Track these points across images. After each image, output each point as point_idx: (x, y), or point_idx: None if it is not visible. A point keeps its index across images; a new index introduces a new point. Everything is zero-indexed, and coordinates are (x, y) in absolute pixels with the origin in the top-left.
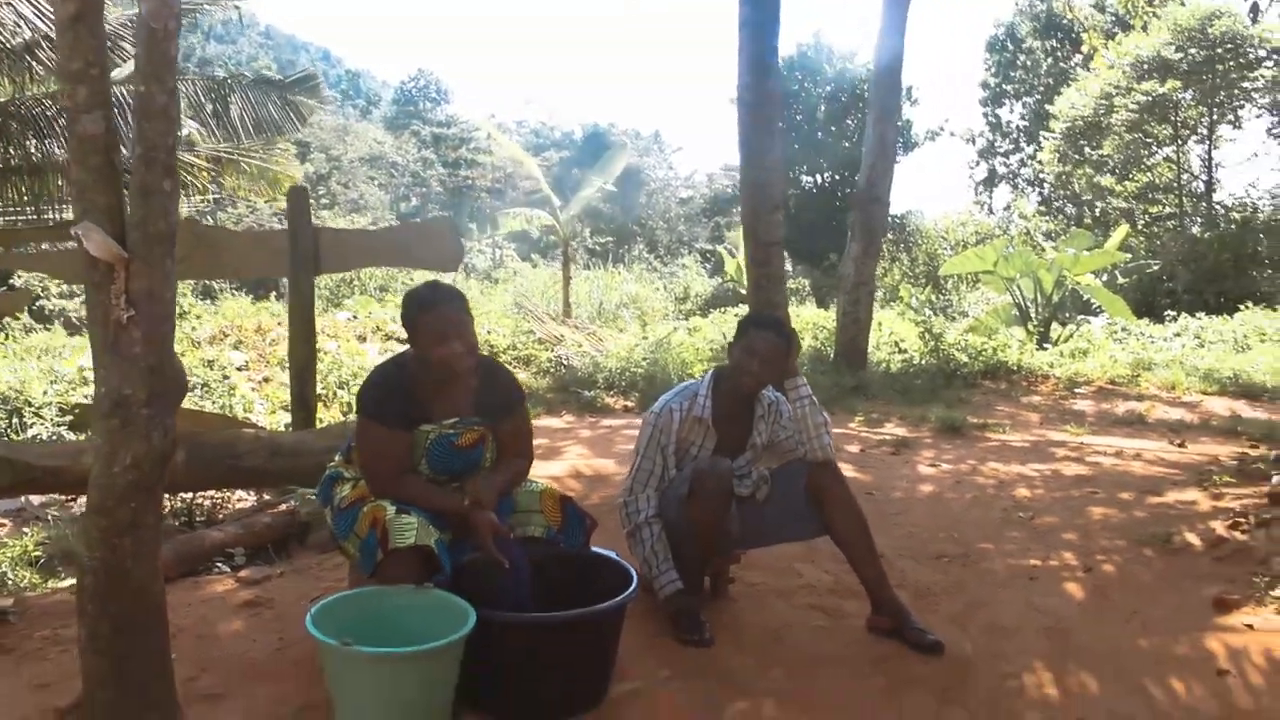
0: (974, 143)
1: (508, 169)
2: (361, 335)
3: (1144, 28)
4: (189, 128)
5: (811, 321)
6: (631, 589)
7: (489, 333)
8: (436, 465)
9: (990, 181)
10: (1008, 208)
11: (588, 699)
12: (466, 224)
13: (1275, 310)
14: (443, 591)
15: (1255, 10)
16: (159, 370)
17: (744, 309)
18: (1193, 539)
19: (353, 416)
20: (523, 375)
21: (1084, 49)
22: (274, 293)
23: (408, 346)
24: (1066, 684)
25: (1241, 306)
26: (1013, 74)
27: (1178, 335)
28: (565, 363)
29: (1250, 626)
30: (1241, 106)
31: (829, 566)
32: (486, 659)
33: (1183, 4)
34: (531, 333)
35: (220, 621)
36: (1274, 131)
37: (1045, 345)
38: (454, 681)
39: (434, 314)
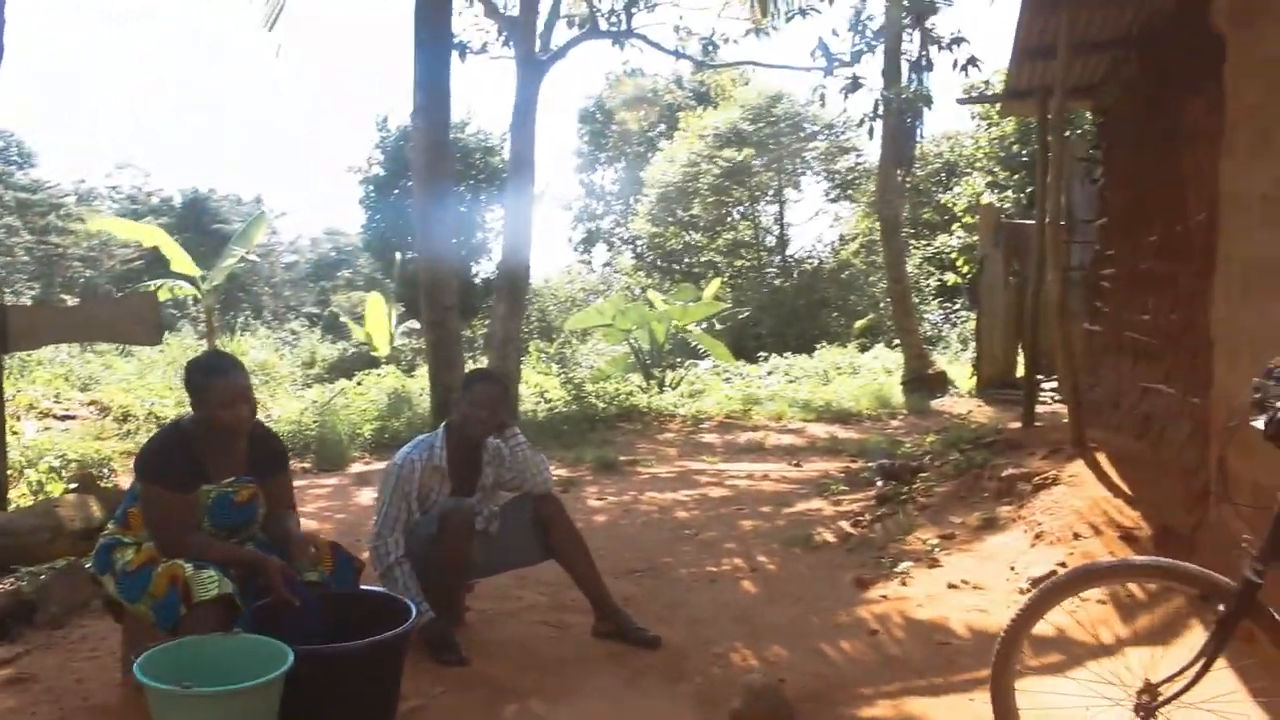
0: (571, 207)
1: (103, 237)
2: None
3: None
4: None
5: None
6: (414, 618)
7: (152, 405)
8: (218, 521)
9: (589, 241)
10: (607, 264)
11: (381, 717)
12: (58, 295)
13: (845, 347)
14: (251, 635)
15: (823, 99)
16: None
17: (388, 369)
18: (828, 537)
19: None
20: None
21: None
22: None
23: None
24: (763, 655)
25: (818, 345)
26: (604, 142)
27: (770, 373)
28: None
29: (885, 597)
30: (803, 174)
31: (542, 590)
32: (291, 690)
33: (747, 83)
34: None
35: None
36: (829, 195)
37: (664, 389)
38: (276, 712)
39: (226, 380)
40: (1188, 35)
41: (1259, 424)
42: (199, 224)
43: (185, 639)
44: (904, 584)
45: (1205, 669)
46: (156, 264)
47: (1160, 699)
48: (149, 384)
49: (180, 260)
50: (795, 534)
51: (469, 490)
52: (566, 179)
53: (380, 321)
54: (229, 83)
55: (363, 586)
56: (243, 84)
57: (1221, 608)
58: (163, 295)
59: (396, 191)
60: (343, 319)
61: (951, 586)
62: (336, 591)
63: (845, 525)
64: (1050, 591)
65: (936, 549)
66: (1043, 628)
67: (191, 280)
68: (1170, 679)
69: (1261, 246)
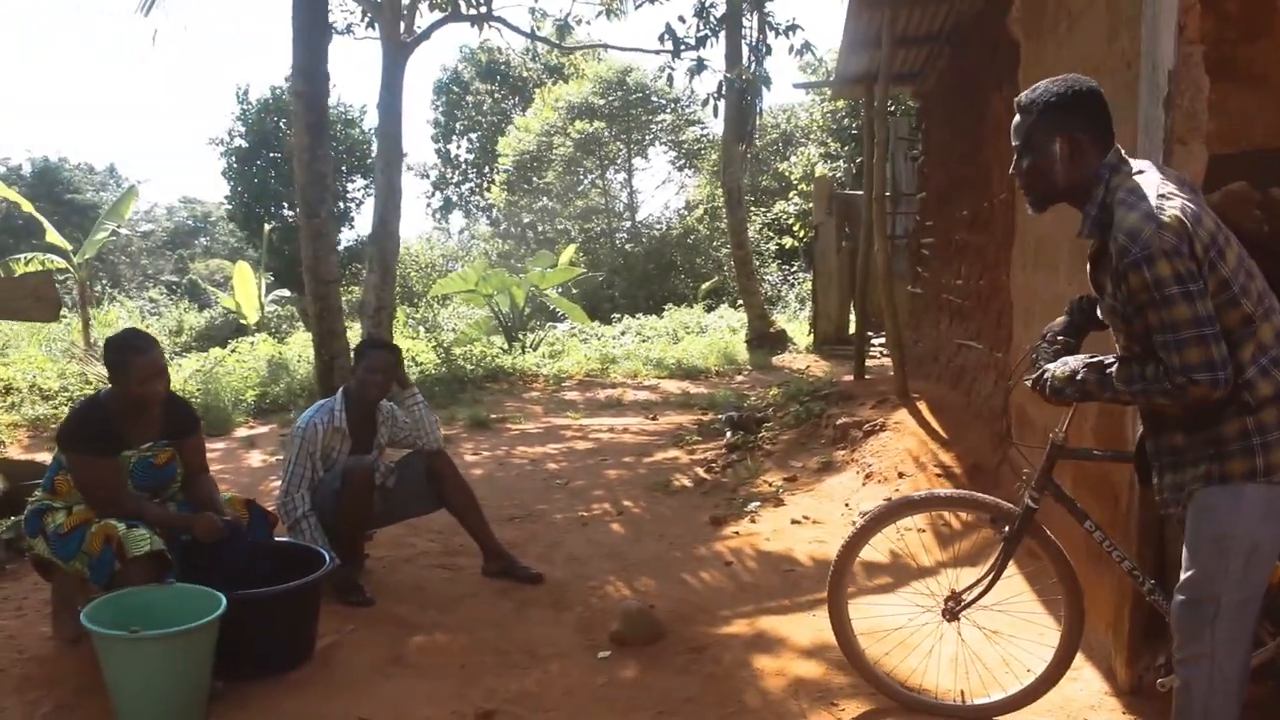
0: (428, 175)
1: None
2: None
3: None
4: None
5: None
6: (328, 564)
7: (34, 378)
8: (140, 483)
9: (446, 209)
10: (463, 231)
11: (304, 653)
12: None
13: (692, 308)
14: (184, 584)
15: (670, 79)
16: None
17: (259, 338)
18: (685, 482)
19: None
20: None
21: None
22: None
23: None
24: (635, 586)
25: (667, 306)
26: (459, 113)
27: (623, 334)
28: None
29: (737, 533)
30: (651, 144)
31: (432, 537)
32: (223, 632)
33: (599, 60)
34: (83, 375)
35: None
36: (676, 164)
37: (525, 351)
38: (213, 652)
39: (146, 357)
40: (990, 37)
41: (1027, 381)
42: (51, 194)
43: (125, 590)
44: (753, 521)
45: (996, 578)
46: (13, 234)
47: (962, 604)
48: (29, 356)
49: (51, 233)
50: (656, 480)
51: (366, 448)
52: (423, 148)
53: (249, 290)
54: (76, 46)
55: (276, 538)
56: (92, 49)
57: (1007, 529)
58: (33, 269)
59: (259, 163)
60: (204, 287)
61: (795, 522)
62: (254, 542)
63: (700, 471)
64: (871, 522)
65: (781, 490)
66: (874, 555)
67: (64, 253)
68: (969, 588)
69: (1047, 225)
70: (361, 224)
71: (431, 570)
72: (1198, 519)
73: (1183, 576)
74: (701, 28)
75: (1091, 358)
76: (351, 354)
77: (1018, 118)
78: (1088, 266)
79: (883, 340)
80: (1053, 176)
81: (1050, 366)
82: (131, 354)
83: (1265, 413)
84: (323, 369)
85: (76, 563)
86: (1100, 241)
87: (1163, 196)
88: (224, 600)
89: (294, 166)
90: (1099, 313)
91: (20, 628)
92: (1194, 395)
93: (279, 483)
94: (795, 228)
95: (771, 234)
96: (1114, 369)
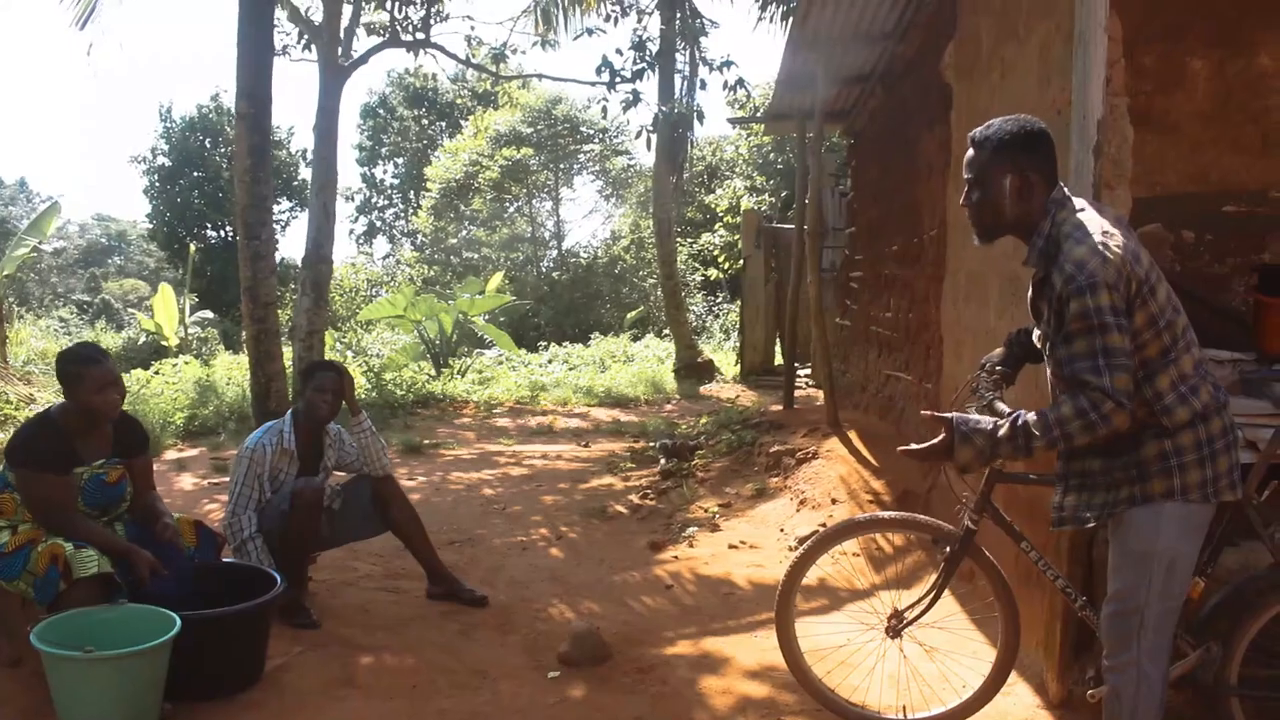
0: (353, 199)
1: None
2: None
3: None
4: None
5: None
6: (279, 586)
7: None
8: (91, 500)
9: (370, 234)
10: (387, 256)
11: (253, 674)
12: None
13: (618, 337)
14: (135, 605)
15: (605, 110)
16: None
17: (183, 359)
18: (621, 509)
19: None
20: (1, 435)
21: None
22: None
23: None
24: (578, 609)
25: (593, 335)
26: (385, 138)
27: (550, 361)
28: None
29: (676, 557)
30: (578, 173)
31: (374, 561)
32: (175, 652)
33: (529, 89)
34: (5, 395)
35: None
36: (603, 193)
37: (455, 377)
38: (165, 673)
39: (100, 368)
40: (923, 80)
41: (971, 409)
42: None
43: (75, 610)
44: (691, 546)
45: (937, 597)
46: None
47: (905, 621)
48: None
49: None
50: (592, 506)
51: (313, 470)
52: (347, 172)
53: (170, 311)
54: None
55: (225, 560)
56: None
57: (948, 549)
58: None
59: (182, 182)
60: (117, 307)
61: (732, 547)
62: (200, 563)
63: (635, 498)
64: (819, 542)
65: (717, 516)
66: (810, 578)
67: None
68: (911, 606)
69: (977, 261)
70: (286, 246)
71: (375, 593)
72: (1123, 537)
73: (1110, 590)
74: (638, 61)
75: (994, 430)
76: (289, 377)
77: (971, 152)
78: (1029, 293)
79: (808, 371)
80: (1001, 210)
81: (964, 445)
82: (85, 365)
83: (1182, 436)
84: (259, 391)
85: (20, 582)
86: (1044, 272)
87: (1106, 234)
88: (178, 621)
89: (235, 187)
90: (1034, 339)
91: None
92: (1116, 422)
93: (217, 506)
94: (720, 260)
95: (697, 265)
96: (1026, 426)
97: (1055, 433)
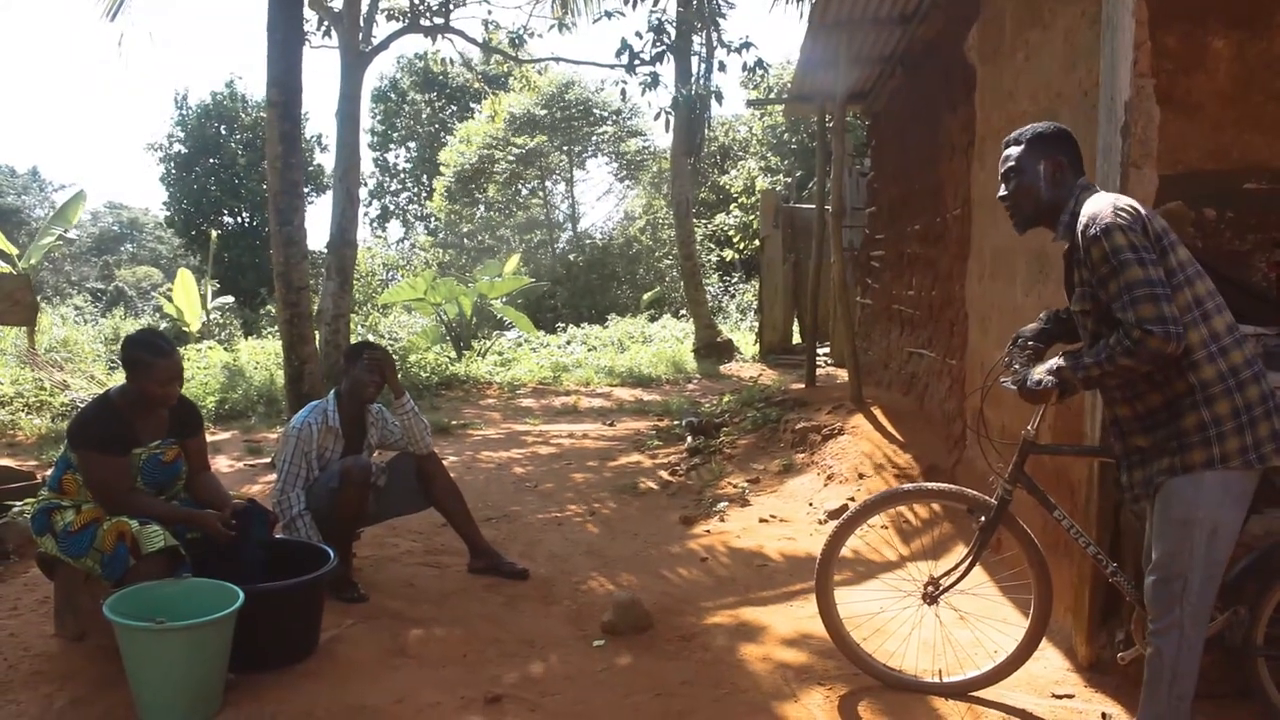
0: (366, 184)
1: None
2: None
3: (519, 89)
4: None
5: (275, 353)
6: (333, 561)
7: None
8: (149, 479)
9: (384, 218)
10: (400, 240)
11: (309, 645)
12: None
13: (635, 318)
14: (200, 579)
15: (624, 93)
16: None
17: (206, 345)
18: (651, 485)
19: None
20: (38, 421)
21: (482, 108)
22: None
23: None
24: (617, 581)
25: (609, 317)
26: (397, 122)
27: (569, 343)
28: (81, 405)
29: (708, 531)
30: (593, 156)
31: (414, 538)
32: (237, 623)
33: (540, 74)
34: (39, 381)
35: None
36: (618, 175)
37: (477, 359)
38: (230, 644)
39: (169, 361)
40: (944, 62)
41: (1007, 382)
42: None
43: (143, 584)
44: (722, 520)
45: (972, 564)
46: None
47: (941, 588)
48: None
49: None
50: (622, 483)
51: (357, 448)
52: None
53: (191, 297)
54: None
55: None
56: (11, 49)
57: (982, 519)
58: None
59: (198, 169)
60: (131, 294)
61: (762, 521)
62: (256, 540)
63: (664, 474)
64: (863, 510)
65: (746, 491)
66: (845, 553)
67: (8, 259)
68: (948, 573)
69: (1003, 238)
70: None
71: (418, 568)
72: (1165, 506)
73: (1154, 558)
74: (657, 43)
75: (1063, 353)
76: (321, 359)
77: (1008, 149)
78: (1064, 271)
79: (826, 350)
80: (1038, 194)
81: (1031, 370)
82: (156, 356)
83: (1219, 405)
84: (292, 374)
85: (87, 560)
86: (1071, 242)
87: (1117, 197)
88: (241, 594)
89: (267, 174)
90: (1072, 307)
91: (20, 626)
92: (1151, 347)
93: (259, 487)
94: (735, 240)
95: (712, 245)
96: (1081, 350)
97: (1103, 356)
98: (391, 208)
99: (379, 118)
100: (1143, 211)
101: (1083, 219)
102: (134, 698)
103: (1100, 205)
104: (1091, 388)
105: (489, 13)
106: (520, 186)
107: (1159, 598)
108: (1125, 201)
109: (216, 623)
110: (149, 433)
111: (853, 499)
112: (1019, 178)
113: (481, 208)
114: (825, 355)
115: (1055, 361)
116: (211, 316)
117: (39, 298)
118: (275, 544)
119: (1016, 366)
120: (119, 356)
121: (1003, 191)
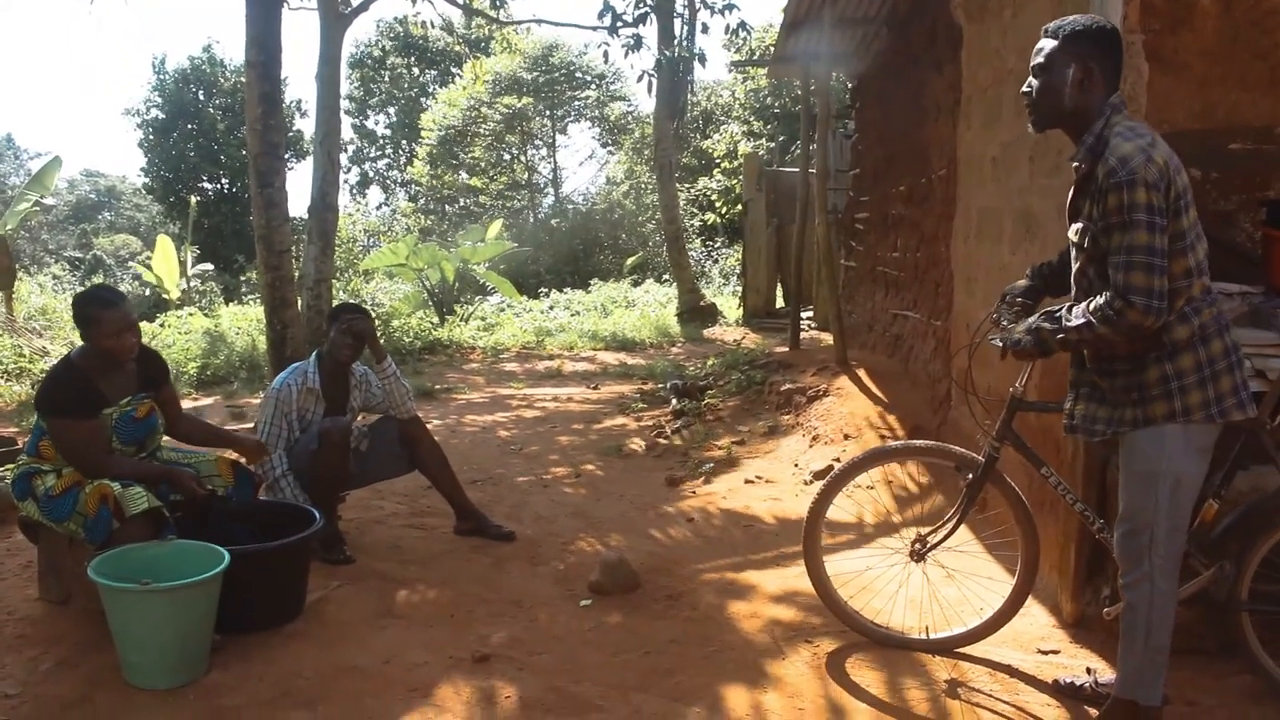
0: (345, 150)
1: None
2: None
3: (501, 52)
4: None
5: (256, 319)
6: (319, 522)
7: None
8: (125, 438)
9: (364, 184)
10: (380, 206)
11: (296, 606)
12: None
13: (618, 283)
14: (184, 540)
15: (606, 55)
16: None
17: (186, 311)
18: (636, 446)
19: None
20: (18, 388)
21: (464, 71)
22: None
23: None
24: (604, 541)
25: (592, 281)
26: (375, 87)
27: (552, 308)
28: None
29: (695, 492)
30: (576, 120)
31: (400, 500)
32: (223, 584)
33: (527, 33)
34: (18, 347)
35: None
36: (600, 140)
37: (460, 324)
38: (216, 605)
39: (116, 312)
40: (930, 21)
41: (995, 341)
42: None
43: (128, 545)
44: (708, 482)
45: (960, 522)
46: None
47: (928, 546)
48: None
49: None
50: (608, 445)
51: (340, 410)
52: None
53: (171, 264)
54: None
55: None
56: None
57: (970, 476)
58: None
59: (176, 135)
60: (110, 262)
61: (748, 482)
62: (238, 503)
63: (650, 436)
64: (851, 466)
65: (732, 452)
66: (832, 513)
67: None
68: (934, 530)
69: (990, 198)
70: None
71: (404, 530)
72: (1129, 458)
73: (1120, 510)
74: (640, 4)
75: (1043, 312)
76: (303, 324)
77: (1042, 41)
78: (1070, 192)
79: (809, 313)
80: (1061, 97)
81: (1013, 328)
82: (102, 309)
83: (1182, 359)
84: (275, 338)
85: (70, 523)
86: (1088, 168)
87: (1153, 143)
88: (227, 555)
89: (247, 136)
90: (1069, 235)
91: (4, 590)
92: (1130, 320)
93: None
94: (718, 204)
95: (695, 210)
96: (1061, 311)
97: (1081, 322)
98: (371, 174)
99: (356, 83)
100: (1171, 167)
101: (1113, 158)
102: (120, 660)
103: (1134, 151)
104: (1069, 350)
105: None
106: (503, 151)
107: (1128, 550)
108: (1159, 153)
109: (202, 584)
110: (117, 391)
111: (838, 460)
112: (1045, 75)
113: (464, 173)
114: (809, 319)
115: (1034, 321)
116: (192, 283)
117: (16, 265)
118: (261, 506)
119: (1005, 324)
120: (72, 318)
121: (1026, 86)
